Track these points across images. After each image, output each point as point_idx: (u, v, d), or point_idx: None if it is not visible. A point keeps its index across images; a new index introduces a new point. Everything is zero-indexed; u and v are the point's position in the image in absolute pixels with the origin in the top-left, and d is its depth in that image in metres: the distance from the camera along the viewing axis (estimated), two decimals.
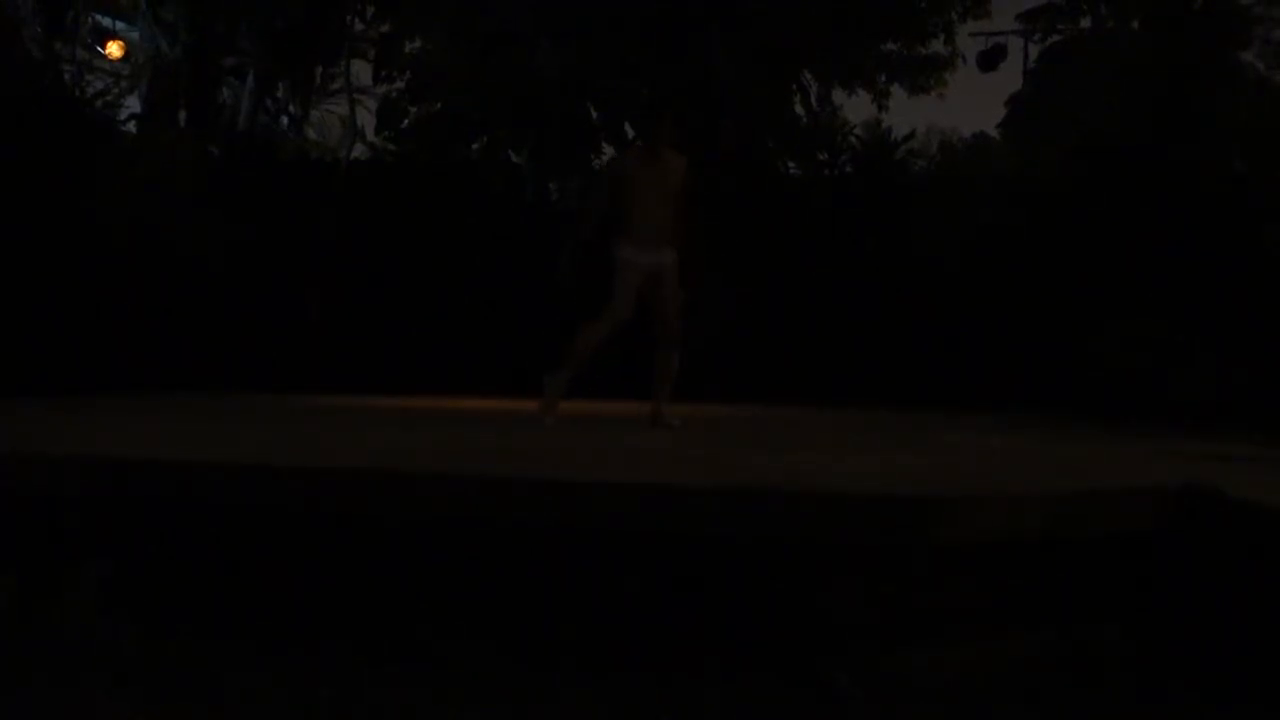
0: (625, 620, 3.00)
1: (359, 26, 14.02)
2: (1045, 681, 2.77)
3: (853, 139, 12.98)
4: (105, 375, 7.88)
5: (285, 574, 3.24)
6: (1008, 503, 3.12)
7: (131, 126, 11.62)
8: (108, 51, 13.72)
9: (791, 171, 12.93)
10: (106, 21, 14.05)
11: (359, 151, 14.10)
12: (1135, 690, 2.73)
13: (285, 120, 14.79)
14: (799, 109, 13.92)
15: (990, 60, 15.77)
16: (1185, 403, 8.09)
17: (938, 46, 14.19)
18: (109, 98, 10.98)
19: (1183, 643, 2.95)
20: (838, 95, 14.40)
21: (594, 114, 12.57)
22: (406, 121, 13.05)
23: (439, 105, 12.83)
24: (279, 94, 14.35)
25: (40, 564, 3.31)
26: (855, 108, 14.71)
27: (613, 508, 3.12)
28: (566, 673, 2.73)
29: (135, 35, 14.02)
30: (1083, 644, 2.95)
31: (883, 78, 14.24)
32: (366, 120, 15.07)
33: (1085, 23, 15.60)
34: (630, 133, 12.14)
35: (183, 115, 12.67)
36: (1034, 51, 16.79)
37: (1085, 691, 2.72)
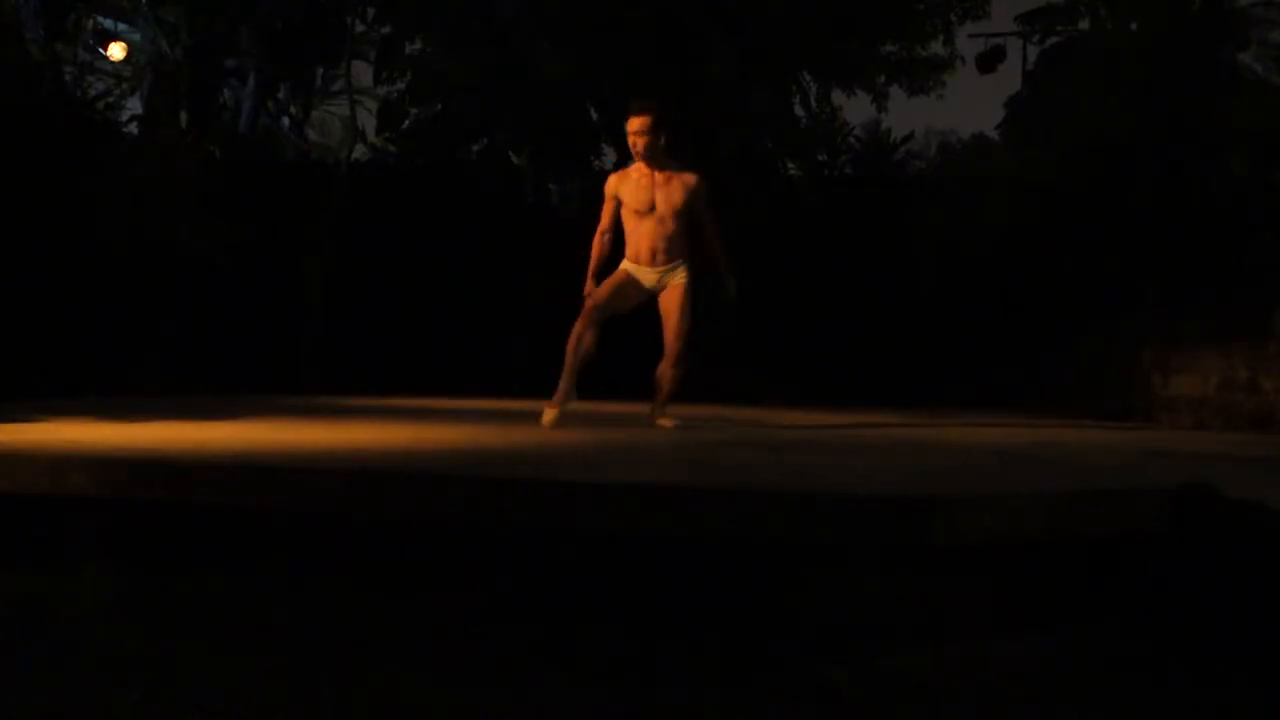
0: (622, 621, 3.01)
1: (359, 28, 14.03)
2: (1044, 681, 2.78)
3: (852, 140, 13.03)
4: (106, 377, 7.89)
5: (287, 574, 3.26)
6: (1008, 503, 3.14)
7: (133, 128, 11.64)
8: (109, 53, 13.74)
9: (791, 172, 12.96)
10: (108, 23, 14.06)
11: (360, 153, 14.12)
12: (1135, 690, 2.74)
13: (286, 121, 14.82)
14: (798, 110, 13.94)
15: (989, 62, 15.79)
16: (1183, 401, 8.10)
17: (937, 48, 14.21)
18: (110, 99, 11.00)
19: (1182, 642, 2.96)
20: (837, 96, 14.42)
21: (594, 116, 12.59)
22: (407, 123, 13.06)
23: (440, 107, 12.85)
24: (280, 95, 14.37)
25: (44, 564, 3.33)
26: (854, 109, 14.81)
27: (609, 509, 3.14)
28: (560, 674, 2.74)
29: (137, 37, 14.04)
30: (1082, 644, 2.97)
31: (882, 79, 14.25)
32: (367, 122, 15.10)
33: (1084, 24, 15.61)
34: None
35: (184, 117, 12.68)
36: (1033, 53, 16.80)
37: (1084, 691, 2.73)
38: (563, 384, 5.70)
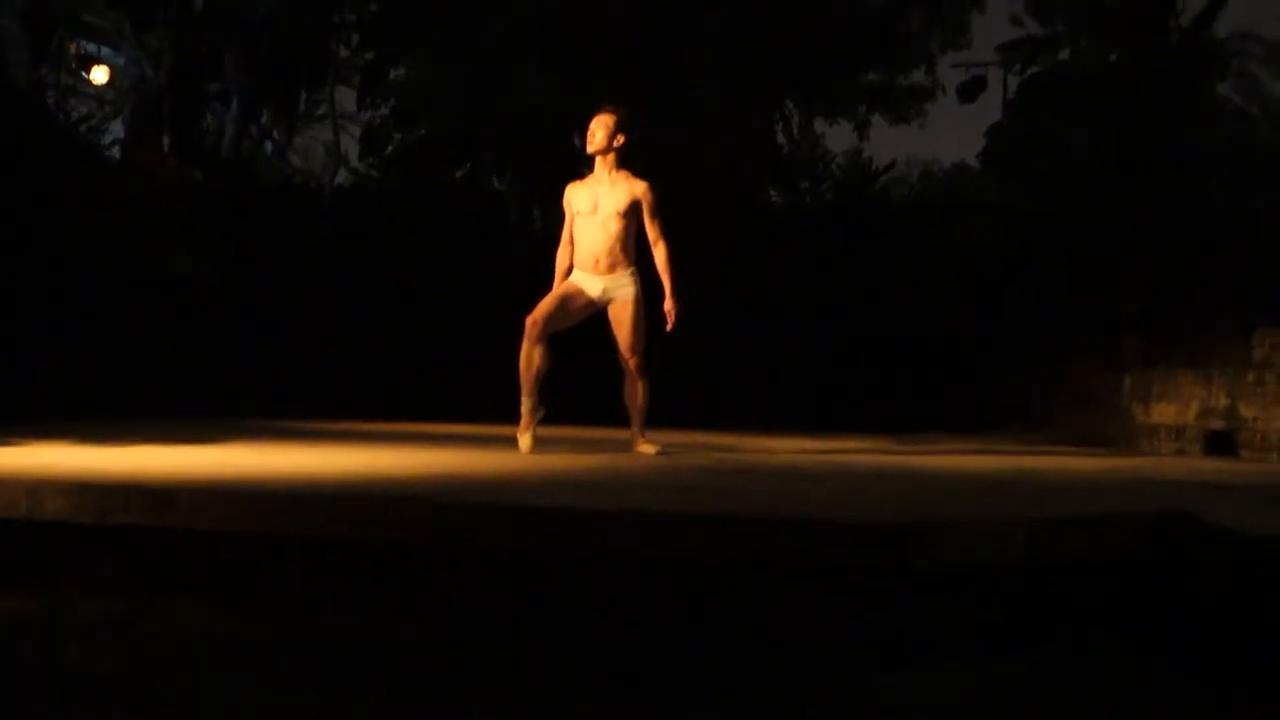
0: (606, 646, 3.00)
1: (343, 53, 14.08)
2: (1028, 705, 2.78)
3: (834, 168, 13.11)
4: (88, 400, 7.85)
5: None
6: (991, 529, 3.15)
7: (116, 151, 11.63)
8: (92, 77, 13.74)
9: (773, 199, 13.03)
10: (91, 47, 14.07)
11: (343, 177, 14.13)
12: (1117, 711, 2.75)
13: (269, 146, 14.81)
14: (780, 138, 14.03)
15: (970, 91, 15.90)
16: (1164, 429, 8.14)
17: (918, 77, 14.35)
18: (93, 123, 11.01)
19: (1163, 665, 2.97)
20: (819, 124, 14.54)
21: (577, 142, 12.65)
22: (390, 148, 13.10)
23: (423, 132, 12.89)
24: (263, 120, 14.37)
25: (22, 588, 3.31)
26: (836, 137, 14.89)
27: (595, 534, 3.14)
28: (549, 695, 2.73)
29: (120, 61, 14.04)
30: (1065, 667, 2.97)
31: (863, 108, 14.38)
32: (350, 146, 15.12)
33: (1064, 54, 15.77)
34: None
35: (167, 140, 12.67)
36: (1013, 83, 16.95)
37: (1067, 713, 2.74)
38: (525, 405, 5.69)
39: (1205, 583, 3.05)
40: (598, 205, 5.72)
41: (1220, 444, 7.51)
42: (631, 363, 5.77)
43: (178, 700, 2.62)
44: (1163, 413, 8.20)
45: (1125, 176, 9.81)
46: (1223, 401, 7.61)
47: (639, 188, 5.72)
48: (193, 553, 3.34)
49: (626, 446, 5.97)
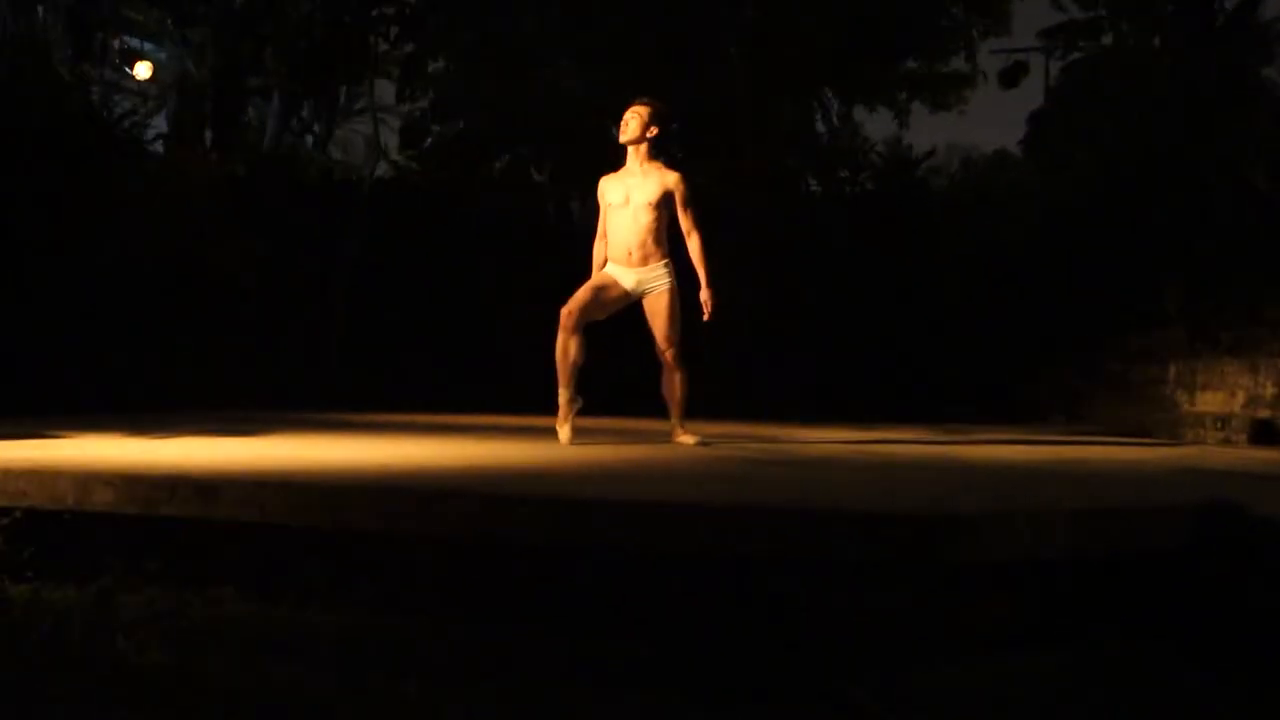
0: (642, 638, 3.00)
1: (383, 47, 14.14)
2: (1067, 698, 2.76)
3: (874, 156, 13.02)
4: (125, 394, 7.93)
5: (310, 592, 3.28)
6: (1031, 520, 3.13)
7: (159, 146, 11.74)
8: (135, 73, 13.89)
9: (813, 189, 12.97)
10: (135, 43, 14.22)
11: (383, 170, 14.20)
12: (1158, 705, 2.72)
13: (310, 139, 14.91)
14: (820, 126, 13.97)
15: (1011, 77, 15.76)
16: (1210, 418, 8.05)
17: (959, 64, 14.23)
18: (136, 118, 11.09)
19: (1207, 657, 2.94)
20: (858, 112, 14.46)
21: (614, 133, 12.65)
22: (429, 141, 13.16)
23: (461, 124, 12.94)
24: (304, 114, 14.47)
25: (70, 577, 3.35)
26: (876, 125, 14.79)
27: (635, 526, 3.14)
28: (583, 689, 2.74)
29: (163, 56, 14.18)
30: (1105, 660, 2.95)
31: (904, 95, 14.28)
32: (390, 139, 15.19)
33: (1107, 39, 15.59)
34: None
35: (209, 135, 12.79)
36: (1055, 69, 16.79)
37: (1108, 707, 2.71)
38: (562, 397, 5.67)
39: (1255, 573, 3.01)
40: (629, 197, 5.71)
41: (1267, 433, 7.42)
42: (668, 354, 5.77)
43: (221, 690, 2.65)
44: (1207, 402, 8.10)
45: (1169, 162, 9.68)
46: (1270, 391, 7.52)
47: (671, 178, 5.71)
48: (236, 544, 3.37)
49: (666, 437, 5.97)
